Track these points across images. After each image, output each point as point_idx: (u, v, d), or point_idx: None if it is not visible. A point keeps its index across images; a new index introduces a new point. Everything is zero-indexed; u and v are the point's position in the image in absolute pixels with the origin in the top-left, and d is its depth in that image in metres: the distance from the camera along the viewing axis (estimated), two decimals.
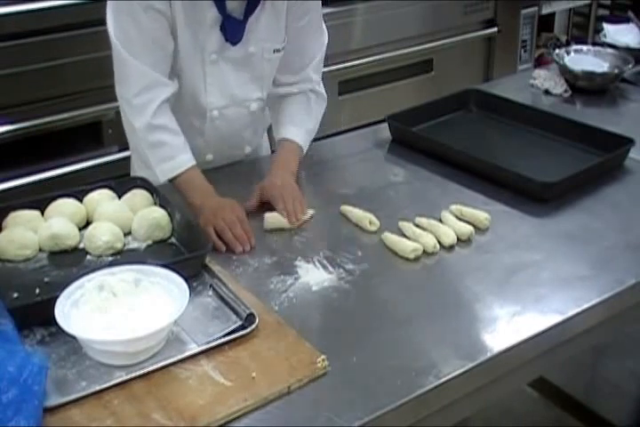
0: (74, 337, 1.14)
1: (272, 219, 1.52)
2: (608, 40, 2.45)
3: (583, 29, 4.27)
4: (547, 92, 2.22)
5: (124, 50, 1.51)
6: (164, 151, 1.55)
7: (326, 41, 1.76)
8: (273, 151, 1.98)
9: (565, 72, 2.23)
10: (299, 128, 1.73)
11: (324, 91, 1.81)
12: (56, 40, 2.31)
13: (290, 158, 1.68)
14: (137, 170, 1.70)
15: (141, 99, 1.54)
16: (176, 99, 1.63)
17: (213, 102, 1.68)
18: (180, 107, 1.66)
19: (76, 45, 2.33)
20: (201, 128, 1.72)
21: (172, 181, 1.57)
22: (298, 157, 1.70)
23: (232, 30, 1.58)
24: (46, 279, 1.35)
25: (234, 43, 1.60)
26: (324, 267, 1.40)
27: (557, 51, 2.36)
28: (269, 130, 1.95)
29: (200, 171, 1.59)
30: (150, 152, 1.56)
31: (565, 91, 2.20)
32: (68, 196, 1.53)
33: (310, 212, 1.56)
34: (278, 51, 1.68)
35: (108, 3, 1.53)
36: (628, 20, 2.59)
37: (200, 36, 1.57)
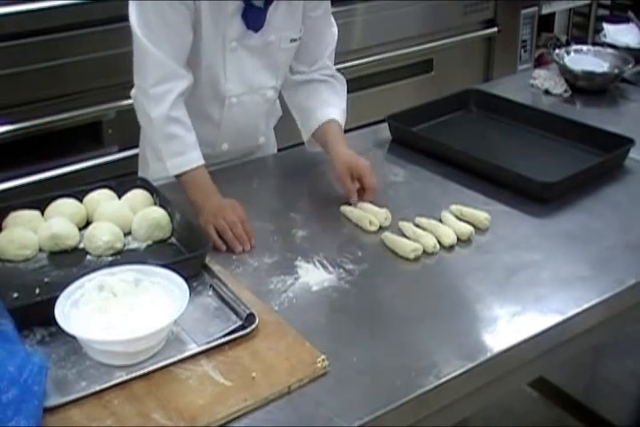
0: (74, 337, 1.14)
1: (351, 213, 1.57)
2: (608, 40, 2.45)
3: (583, 29, 4.27)
4: (547, 92, 2.22)
5: (146, 39, 1.52)
6: (177, 145, 1.56)
7: (336, 31, 1.79)
8: (279, 150, 1.99)
9: (565, 72, 2.23)
10: (335, 108, 1.75)
11: (340, 76, 1.84)
12: (56, 40, 2.30)
13: (342, 135, 1.72)
14: (147, 161, 1.69)
15: (159, 89, 1.54)
16: (194, 87, 1.65)
17: (232, 89, 1.69)
18: (198, 95, 1.68)
19: (76, 45, 2.33)
20: (218, 117, 1.73)
21: (178, 176, 1.58)
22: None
23: (253, 18, 1.61)
24: (46, 279, 1.35)
25: (256, 30, 1.63)
26: (324, 267, 1.40)
27: (557, 51, 2.36)
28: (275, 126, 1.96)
29: (207, 171, 1.59)
30: (164, 145, 1.56)
31: (565, 91, 2.20)
32: (68, 196, 1.53)
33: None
34: (295, 40, 1.71)
35: None
36: (628, 20, 2.59)
37: (221, 24, 1.59)
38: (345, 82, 1.84)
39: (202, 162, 1.58)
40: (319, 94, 1.78)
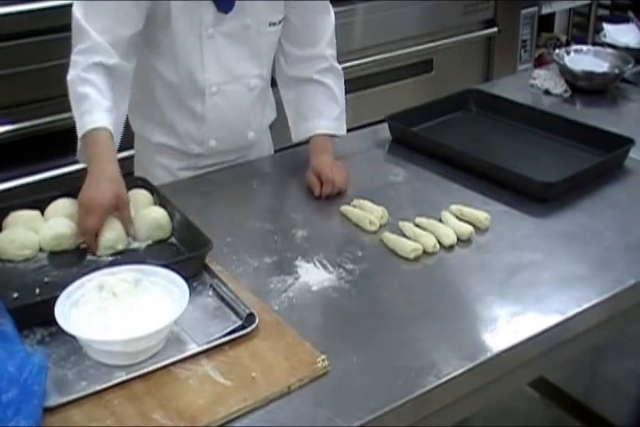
0: (74, 337, 1.14)
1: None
2: (608, 40, 2.45)
3: (583, 29, 4.27)
4: (547, 92, 2.22)
5: (78, 13, 1.50)
6: (85, 105, 1.49)
7: (333, 17, 1.78)
8: (276, 151, 1.99)
9: (565, 72, 2.23)
10: (327, 120, 1.75)
11: (339, 66, 1.82)
12: (56, 40, 2.30)
13: (325, 148, 1.73)
14: (142, 161, 1.71)
15: (80, 57, 1.51)
16: (173, 81, 1.65)
17: (211, 78, 1.68)
18: (178, 88, 1.67)
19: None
20: (201, 110, 1.72)
21: (84, 142, 1.50)
22: (332, 147, 1.75)
23: None
24: (46, 279, 1.35)
25: (226, 11, 1.61)
26: (324, 267, 1.40)
27: (557, 51, 2.36)
28: (271, 126, 1.95)
29: (111, 139, 1.48)
30: (75, 105, 1.51)
31: (565, 91, 2.20)
32: (68, 196, 1.53)
33: None
34: (274, 24, 1.69)
35: None
36: (627, 20, 2.59)
37: (194, 11, 1.58)
38: (342, 74, 1.83)
39: (104, 123, 1.46)
40: (314, 101, 1.77)
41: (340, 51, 1.86)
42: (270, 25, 1.69)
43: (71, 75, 1.51)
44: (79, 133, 1.48)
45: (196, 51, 1.64)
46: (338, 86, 1.81)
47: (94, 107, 1.48)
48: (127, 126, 1.65)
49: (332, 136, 1.77)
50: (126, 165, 1.91)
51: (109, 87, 1.52)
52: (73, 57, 1.52)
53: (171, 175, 1.80)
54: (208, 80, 1.68)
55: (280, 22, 1.70)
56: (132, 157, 1.89)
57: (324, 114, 1.76)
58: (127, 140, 1.78)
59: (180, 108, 1.68)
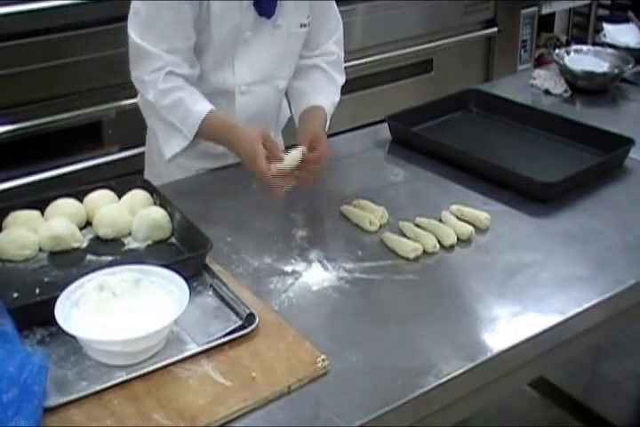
0: (74, 337, 1.13)
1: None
2: (608, 40, 2.45)
3: (583, 29, 4.27)
4: (547, 92, 2.21)
5: (142, 40, 1.56)
6: (182, 109, 1.59)
7: (341, 19, 1.81)
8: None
9: (565, 72, 2.23)
10: (326, 99, 1.76)
11: (343, 66, 1.84)
12: (56, 40, 2.30)
13: (320, 119, 1.70)
14: (163, 142, 1.69)
15: (153, 75, 1.58)
16: (204, 81, 1.67)
17: (241, 79, 1.70)
18: (209, 88, 1.69)
19: (77, 45, 2.33)
20: (229, 109, 1.73)
21: (200, 135, 1.60)
22: (326, 120, 1.72)
23: (265, 4, 1.63)
24: (46, 279, 1.35)
25: (268, 16, 1.64)
26: (325, 267, 1.40)
27: (557, 51, 2.36)
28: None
29: (219, 115, 1.60)
30: (172, 115, 1.60)
31: (565, 91, 2.20)
32: (68, 196, 1.53)
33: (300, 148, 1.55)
34: (304, 25, 1.72)
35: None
36: (627, 20, 2.59)
37: (235, 16, 1.61)
38: (344, 74, 1.85)
39: (208, 108, 1.58)
40: (316, 82, 1.79)
41: None
42: (301, 26, 1.72)
43: (151, 94, 1.58)
44: (191, 134, 1.60)
45: (229, 53, 1.66)
46: (339, 79, 1.83)
47: (190, 104, 1.57)
48: (134, 123, 1.65)
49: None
50: (130, 164, 1.91)
51: (190, 85, 1.61)
52: (145, 77, 1.57)
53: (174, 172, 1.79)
54: (238, 80, 1.70)
55: (309, 24, 1.73)
56: (136, 155, 1.88)
57: (324, 94, 1.77)
58: (138, 137, 1.78)
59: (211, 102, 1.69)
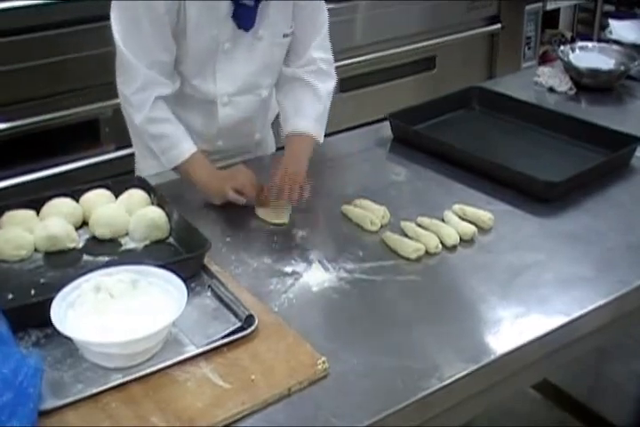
0: (70, 339, 1.13)
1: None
2: (614, 36, 2.45)
3: (588, 26, 4.26)
4: (551, 89, 2.21)
5: (125, 49, 1.56)
6: (166, 142, 1.62)
7: (327, 19, 1.78)
8: (278, 149, 1.99)
9: (570, 69, 2.23)
10: (307, 119, 1.74)
11: (332, 69, 1.81)
12: (52, 37, 2.30)
13: (302, 149, 1.70)
14: (140, 160, 1.78)
15: (139, 97, 1.59)
16: (185, 91, 1.68)
17: (223, 89, 1.70)
18: (190, 99, 1.70)
19: (73, 42, 2.33)
20: (212, 117, 1.74)
21: (176, 168, 1.65)
22: (310, 148, 1.72)
23: (244, 17, 1.62)
24: (42, 280, 1.35)
25: (247, 29, 1.64)
26: (325, 267, 1.40)
27: (562, 47, 2.36)
28: (273, 123, 1.95)
29: (203, 154, 1.65)
30: (153, 144, 1.63)
31: (570, 88, 2.20)
32: (64, 195, 1.53)
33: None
34: (287, 35, 1.71)
35: (113, 2, 1.57)
36: (634, 16, 2.59)
37: (213, 27, 1.60)
38: (333, 78, 1.81)
39: (194, 150, 1.63)
40: (299, 100, 1.76)
41: (340, 48, 1.86)
42: (284, 36, 1.71)
43: (139, 118, 1.60)
44: (169, 166, 1.64)
45: (210, 64, 1.66)
46: (323, 90, 1.78)
47: (175, 140, 1.63)
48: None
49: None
50: (128, 163, 1.91)
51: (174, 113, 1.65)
52: (132, 97, 1.59)
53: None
54: (220, 91, 1.70)
55: (292, 33, 1.72)
56: (133, 154, 1.88)
57: (305, 113, 1.74)
58: (129, 137, 1.78)
59: (193, 112, 1.72)
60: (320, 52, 1.78)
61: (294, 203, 1.56)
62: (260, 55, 1.70)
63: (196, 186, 1.62)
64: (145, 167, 1.77)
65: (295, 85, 1.78)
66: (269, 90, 1.80)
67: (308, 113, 1.74)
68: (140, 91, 1.59)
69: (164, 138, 1.62)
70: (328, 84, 1.80)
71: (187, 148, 1.62)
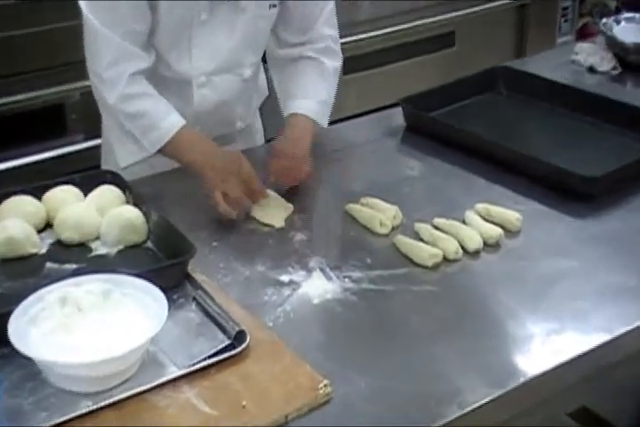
0: (31, 360, 1.14)
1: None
2: None
3: None
4: (591, 69, 2.22)
5: (95, 18, 1.57)
6: (147, 120, 1.62)
7: None
8: (268, 141, 2.00)
9: (614, 45, 2.24)
10: (312, 100, 1.76)
11: (339, 48, 1.84)
12: (10, 7, 2.31)
13: (303, 134, 1.73)
14: (117, 149, 1.72)
15: (112, 72, 1.59)
16: (157, 70, 1.69)
17: (199, 68, 1.71)
18: (163, 79, 1.71)
19: (37, 14, 2.34)
20: (187, 100, 1.75)
21: (161, 151, 1.63)
22: (312, 132, 1.74)
23: None
24: None
25: None
26: (327, 276, 1.41)
27: (605, 20, 2.37)
28: (261, 110, 1.96)
29: (193, 129, 1.65)
30: (132, 124, 1.62)
31: (614, 68, 2.21)
32: (24, 192, 1.54)
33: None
34: (274, 6, 1.72)
35: None
36: None
37: None
38: (339, 57, 1.85)
39: (182, 123, 1.62)
40: (305, 79, 1.79)
41: (345, 22, 1.87)
42: (271, 7, 1.71)
43: (112, 97, 1.60)
44: (153, 148, 1.63)
45: (185, 38, 1.67)
46: (332, 69, 1.82)
47: (157, 117, 1.61)
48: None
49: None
50: (98, 156, 1.92)
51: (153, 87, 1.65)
52: (105, 73, 1.59)
53: (148, 166, 1.80)
54: (197, 69, 1.71)
55: (280, 2, 1.73)
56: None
57: (310, 93, 1.77)
58: (100, 126, 1.79)
59: (166, 95, 1.70)
60: (329, 29, 1.81)
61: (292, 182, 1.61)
62: (243, 28, 1.71)
63: (188, 170, 1.61)
64: (122, 156, 1.72)
65: (300, 63, 1.80)
66: (253, 70, 1.80)
67: (312, 93, 1.77)
68: (113, 65, 1.59)
69: (143, 116, 1.61)
70: (336, 63, 1.83)
71: (171, 123, 1.62)
